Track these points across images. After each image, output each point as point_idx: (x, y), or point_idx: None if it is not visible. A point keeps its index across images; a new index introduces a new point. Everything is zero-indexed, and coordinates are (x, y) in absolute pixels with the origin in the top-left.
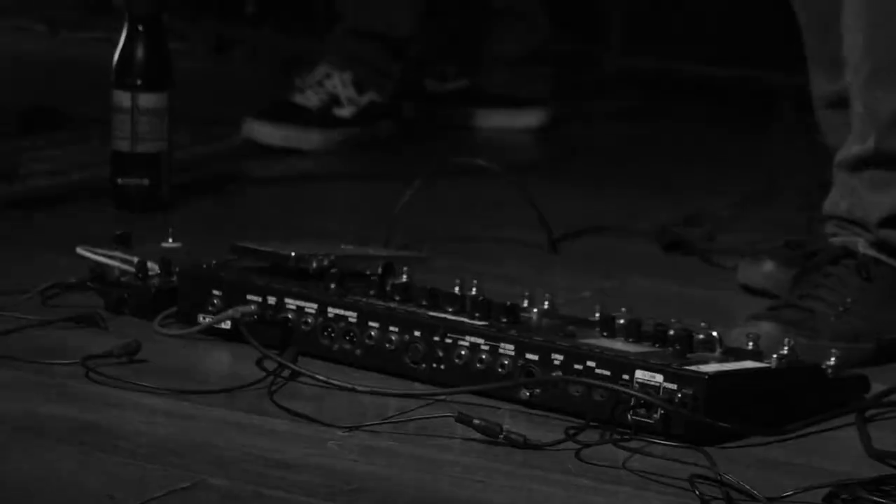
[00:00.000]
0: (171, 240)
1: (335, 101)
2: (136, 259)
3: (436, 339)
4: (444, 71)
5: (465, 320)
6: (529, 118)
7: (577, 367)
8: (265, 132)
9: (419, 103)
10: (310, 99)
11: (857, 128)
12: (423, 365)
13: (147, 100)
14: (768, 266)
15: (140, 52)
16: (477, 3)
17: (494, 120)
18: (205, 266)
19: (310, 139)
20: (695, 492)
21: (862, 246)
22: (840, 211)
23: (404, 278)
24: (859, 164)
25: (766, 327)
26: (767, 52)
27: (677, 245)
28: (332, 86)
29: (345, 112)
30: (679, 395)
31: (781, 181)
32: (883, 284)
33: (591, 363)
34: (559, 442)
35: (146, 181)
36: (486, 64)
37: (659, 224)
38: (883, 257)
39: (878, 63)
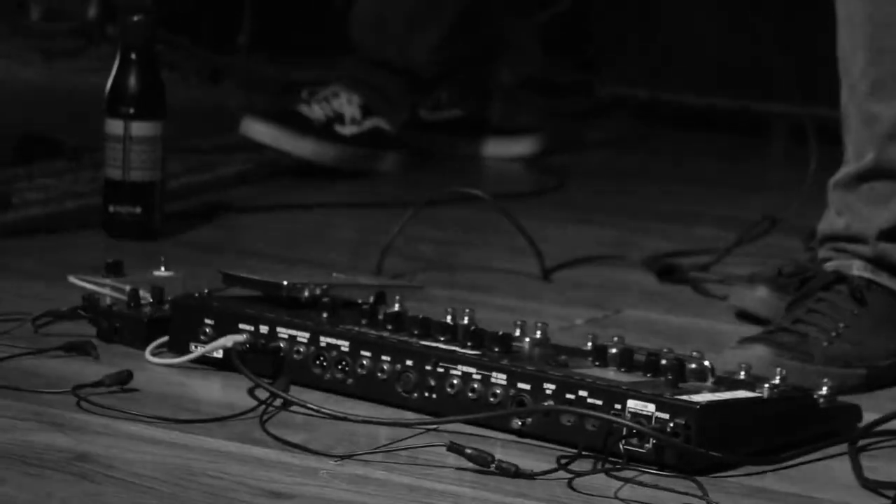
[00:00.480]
0: (163, 268)
1: (339, 118)
2: (128, 287)
3: (428, 368)
4: (436, 100)
5: (457, 349)
6: (522, 146)
7: (568, 396)
8: (260, 130)
9: (412, 131)
10: (314, 111)
11: (853, 147)
12: (415, 394)
13: (140, 128)
14: (762, 291)
15: (133, 81)
16: (469, 33)
17: (487, 148)
18: (197, 295)
19: (303, 147)
20: None
21: (857, 269)
22: (837, 228)
23: (396, 307)
24: (856, 181)
25: (758, 350)
26: (759, 81)
27: (670, 271)
28: (339, 104)
29: (346, 130)
30: (671, 425)
31: (776, 211)
32: (876, 309)
33: (582, 393)
34: (551, 471)
35: (138, 209)
36: (479, 93)
37: (651, 253)
38: (877, 278)
39: (878, 76)
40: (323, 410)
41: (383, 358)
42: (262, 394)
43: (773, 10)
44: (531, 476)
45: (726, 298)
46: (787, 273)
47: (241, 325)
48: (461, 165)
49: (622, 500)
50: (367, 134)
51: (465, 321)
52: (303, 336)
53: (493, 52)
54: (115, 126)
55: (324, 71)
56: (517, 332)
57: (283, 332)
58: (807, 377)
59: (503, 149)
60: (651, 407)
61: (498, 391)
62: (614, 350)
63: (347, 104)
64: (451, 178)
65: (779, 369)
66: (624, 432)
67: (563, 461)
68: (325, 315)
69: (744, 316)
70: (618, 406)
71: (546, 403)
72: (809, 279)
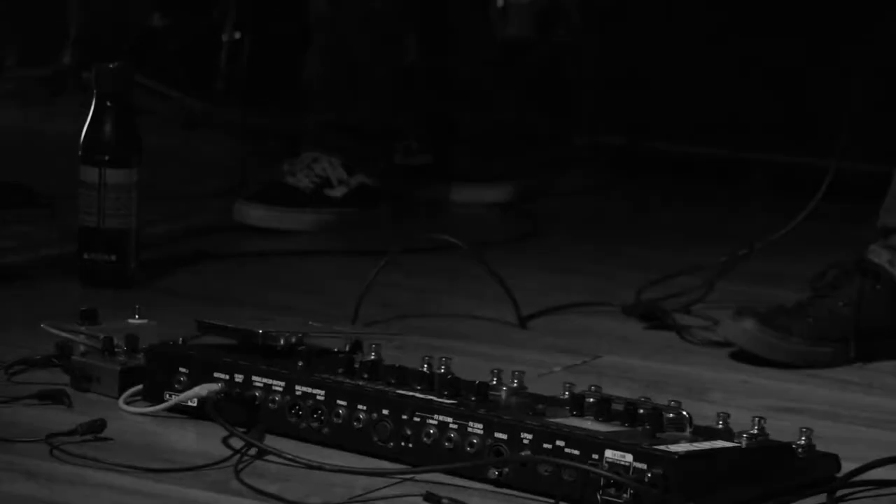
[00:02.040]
0: (137, 316)
1: (326, 182)
2: (102, 335)
3: (404, 417)
4: (408, 146)
5: (434, 399)
6: (494, 193)
7: (546, 446)
8: (257, 215)
9: (385, 178)
10: (301, 181)
11: None
12: (391, 443)
13: (114, 175)
14: (748, 324)
15: (108, 128)
16: (443, 80)
17: (459, 194)
18: (171, 343)
19: (303, 220)
20: None
21: (882, 258)
22: (884, 222)
23: (372, 356)
24: None
25: (746, 323)
26: (738, 129)
27: (651, 315)
28: (322, 168)
29: (336, 193)
30: (649, 475)
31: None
32: (885, 293)
33: (560, 442)
34: None
35: (113, 257)
36: (448, 139)
37: (633, 297)
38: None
39: None
40: (298, 460)
41: (359, 407)
42: (238, 443)
43: (753, 58)
44: None
45: (706, 344)
46: (790, 309)
47: (216, 374)
48: (435, 211)
49: None
50: (355, 191)
51: (442, 370)
52: (278, 385)
53: (452, 97)
54: (89, 173)
55: (299, 116)
56: (494, 381)
57: (258, 380)
58: (779, 352)
59: (475, 195)
60: (629, 457)
61: (475, 440)
62: (592, 399)
63: (330, 167)
64: (427, 225)
65: (756, 419)
66: (601, 482)
67: None
68: (300, 363)
69: (735, 354)
70: (595, 456)
71: (523, 453)
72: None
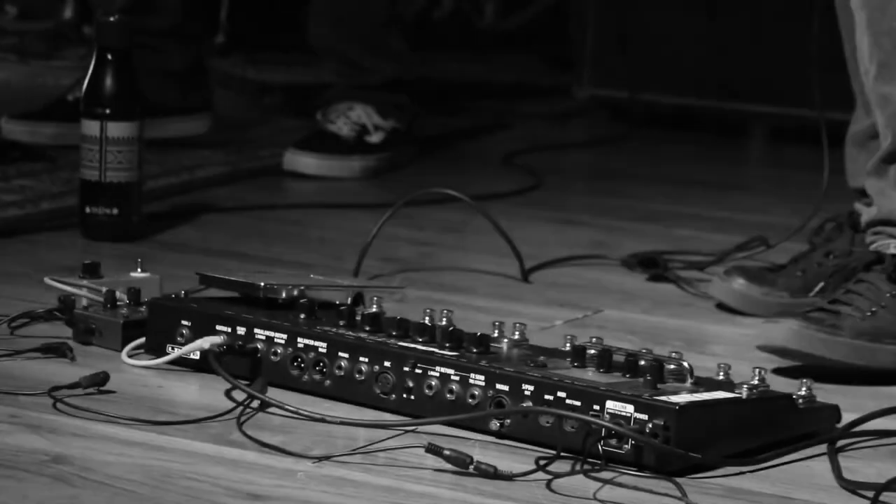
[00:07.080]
0: (140, 269)
1: (364, 129)
2: (104, 289)
3: (406, 369)
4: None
5: (436, 351)
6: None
7: (547, 397)
8: (309, 163)
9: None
10: (341, 129)
11: (881, 131)
12: (393, 395)
13: (116, 129)
14: (738, 283)
15: (109, 82)
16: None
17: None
18: (173, 296)
19: (351, 167)
20: None
21: (894, 248)
22: (874, 214)
23: (374, 308)
24: (884, 165)
25: (789, 323)
26: (737, 82)
27: (651, 264)
28: (357, 116)
29: (374, 139)
30: (650, 426)
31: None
32: None
33: (561, 394)
34: (530, 472)
35: (115, 211)
36: None
37: (631, 252)
38: None
39: (881, 59)
40: (300, 412)
41: (361, 359)
42: (240, 395)
43: (750, 12)
44: (510, 477)
45: (706, 296)
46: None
47: (219, 327)
48: (439, 165)
49: (601, 501)
50: (390, 136)
51: (444, 322)
52: (280, 337)
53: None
54: (91, 127)
55: (299, 68)
56: (495, 333)
57: (260, 333)
58: (834, 348)
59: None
60: (630, 408)
61: (476, 392)
62: (593, 351)
63: (366, 115)
64: (430, 178)
65: (757, 370)
66: (603, 433)
67: (542, 462)
68: (302, 316)
69: (724, 308)
70: (596, 407)
71: (524, 405)
72: (784, 266)
